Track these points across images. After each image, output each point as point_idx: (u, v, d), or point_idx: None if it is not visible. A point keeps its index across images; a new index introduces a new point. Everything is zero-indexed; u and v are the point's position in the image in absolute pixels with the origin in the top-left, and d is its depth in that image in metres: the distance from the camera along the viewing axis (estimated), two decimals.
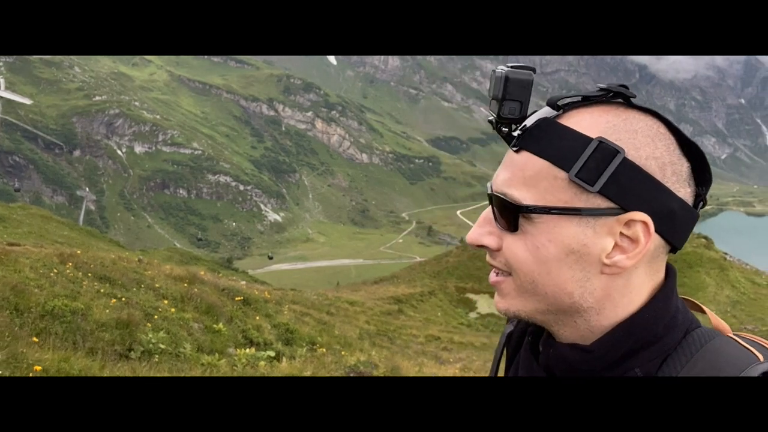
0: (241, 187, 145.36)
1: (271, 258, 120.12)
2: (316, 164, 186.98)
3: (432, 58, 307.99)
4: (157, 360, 3.44)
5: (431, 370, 5.13)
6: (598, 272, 0.65)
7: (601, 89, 0.65)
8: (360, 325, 10.03)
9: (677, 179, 0.64)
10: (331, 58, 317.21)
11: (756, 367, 0.60)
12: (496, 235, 0.68)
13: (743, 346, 0.63)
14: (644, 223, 0.62)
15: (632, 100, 0.66)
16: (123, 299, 4.19)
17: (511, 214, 0.65)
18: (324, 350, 5.10)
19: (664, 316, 0.66)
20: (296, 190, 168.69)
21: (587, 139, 0.62)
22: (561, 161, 0.63)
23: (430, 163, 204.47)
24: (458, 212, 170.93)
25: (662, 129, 0.65)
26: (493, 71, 0.66)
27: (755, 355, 0.62)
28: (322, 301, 14.42)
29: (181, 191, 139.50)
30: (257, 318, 5.61)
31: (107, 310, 3.80)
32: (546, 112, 0.66)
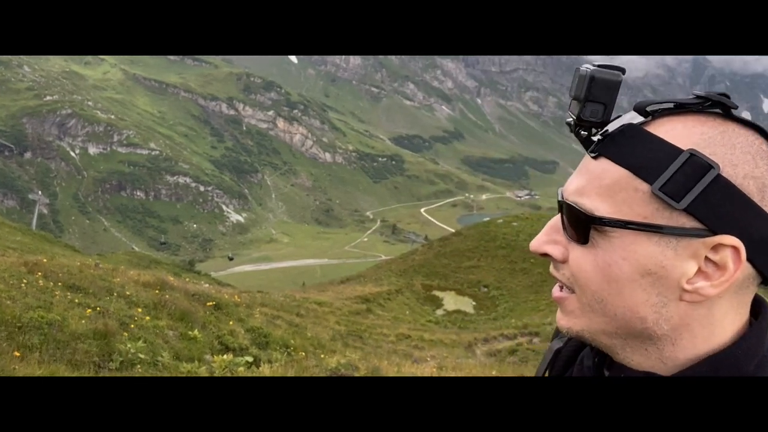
0: (202, 188, 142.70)
1: (231, 259, 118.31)
2: (278, 164, 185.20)
3: (394, 57, 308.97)
4: (139, 370, 3.42)
5: (409, 369, 5.24)
6: (676, 298, 0.58)
7: (698, 96, 0.59)
8: (331, 326, 10.06)
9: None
10: (292, 57, 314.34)
11: None
12: (563, 245, 0.63)
13: None
14: (735, 248, 0.56)
15: (733, 111, 0.59)
16: (97, 309, 4.13)
17: (582, 225, 0.59)
18: (303, 354, 5.14)
19: (754, 355, 0.59)
20: (259, 191, 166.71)
21: (677, 151, 0.56)
22: (644, 172, 0.56)
23: (394, 162, 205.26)
24: (422, 210, 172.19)
25: (765, 146, 0.57)
26: (577, 69, 0.61)
27: None
28: (290, 303, 14.37)
29: (138, 193, 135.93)
30: (231, 323, 5.60)
31: (83, 321, 3.75)
32: (632, 117, 0.60)
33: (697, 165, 0.55)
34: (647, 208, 0.57)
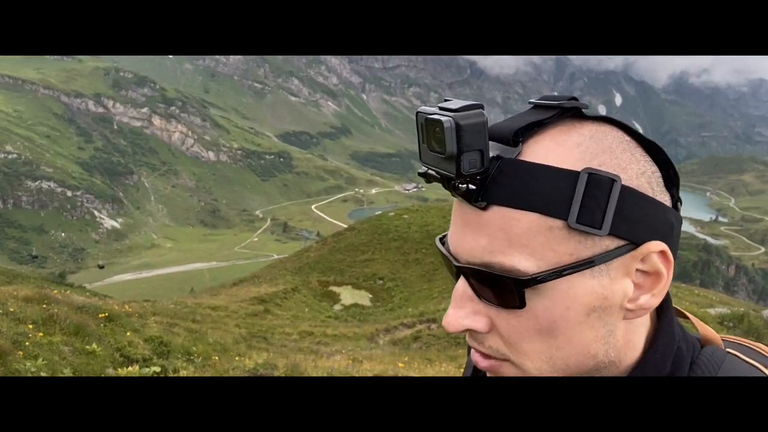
0: (69, 193, 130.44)
1: (101, 267, 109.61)
2: (156, 164, 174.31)
3: None
4: None
5: (325, 363, 5.26)
6: (619, 321, 0.55)
7: (545, 106, 0.55)
8: (230, 329, 9.78)
9: (660, 189, 0.55)
10: None
11: None
12: (483, 314, 0.55)
13: (747, 362, 0.59)
14: (662, 252, 0.54)
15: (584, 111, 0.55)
16: None
17: (512, 291, 0.52)
18: (217, 358, 4.96)
19: (670, 353, 0.58)
20: (136, 193, 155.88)
21: (572, 174, 0.51)
22: (551, 209, 0.51)
23: (282, 159, 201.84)
24: (313, 207, 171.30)
25: (626, 136, 0.55)
26: (434, 120, 0.51)
27: (761, 370, 0.58)
28: (182, 310, 13.73)
29: None
30: (128, 333, 5.28)
31: None
32: (500, 150, 0.52)
33: (600, 183, 0.51)
34: (568, 245, 0.51)
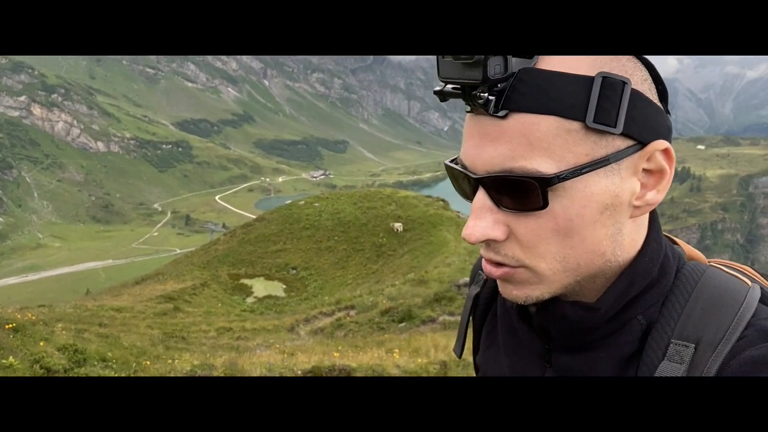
0: None
1: None
2: (39, 157, 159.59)
3: None
4: None
5: (259, 359, 5.21)
6: (627, 219, 0.59)
7: None
8: (142, 331, 9.33)
9: (656, 97, 0.59)
10: None
11: (753, 295, 0.59)
12: (502, 222, 0.58)
13: (729, 273, 0.62)
14: (666, 150, 0.58)
15: None
16: None
17: (535, 192, 0.55)
18: (148, 363, 4.76)
19: (658, 257, 0.62)
20: (16, 190, 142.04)
21: (587, 79, 0.54)
22: (569, 111, 0.54)
23: (180, 148, 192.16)
24: (217, 197, 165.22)
25: None
26: None
27: (744, 281, 0.61)
28: (84, 314, 12.89)
29: None
30: (42, 344, 4.95)
31: None
32: (517, 63, 0.55)
33: (613, 85, 0.54)
34: (585, 145, 0.55)
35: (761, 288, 0.61)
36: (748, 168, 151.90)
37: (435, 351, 4.69)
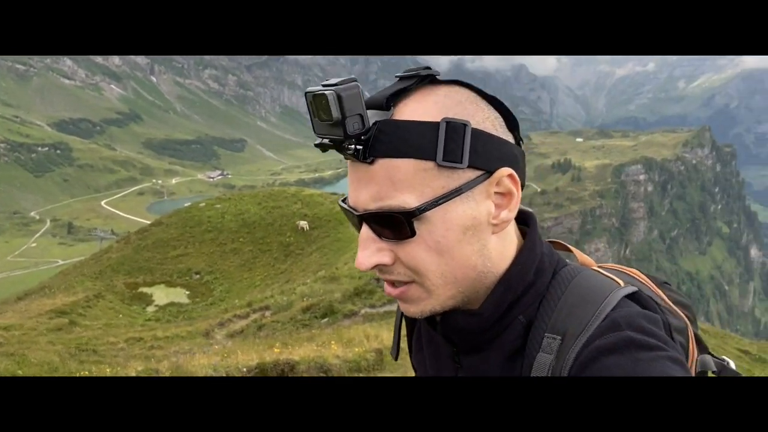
0: None
1: None
2: None
3: None
4: None
5: (200, 360, 5.07)
6: (489, 235, 0.69)
7: (407, 77, 0.68)
8: (43, 347, 8.64)
9: (503, 130, 0.70)
10: None
11: (618, 292, 0.68)
12: (387, 249, 0.68)
13: (606, 275, 0.72)
14: (510, 175, 0.68)
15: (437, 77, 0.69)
16: None
17: (402, 223, 0.65)
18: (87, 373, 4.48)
19: (532, 263, 0.72)
20: None
21: (434, 124, 0.65)
22: (423, 153, 0.64)
23: (58, 151, 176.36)
24: (103, 202, 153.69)
25: (471, 93, 0.70)
26: (320, 95, 0.64)
27: (616, 281, 0.71)
28: None
29: None
30: None
31: None
32: (376, 115, 0.66)
33: (456, 128, 0.65)
34: (441, 179, 0.65)
35: (639, 289, 0.71)
36: (620, 158, 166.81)
37: (368, 341, 4.91)
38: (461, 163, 0.65)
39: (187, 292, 26.56)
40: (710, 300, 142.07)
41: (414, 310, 0.71)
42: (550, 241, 0.81)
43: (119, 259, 30.21)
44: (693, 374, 0.73)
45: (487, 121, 0.68)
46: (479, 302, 0.72)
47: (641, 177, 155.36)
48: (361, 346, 4.91)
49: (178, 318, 18.88)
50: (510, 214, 0.69)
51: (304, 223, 28.72)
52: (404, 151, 0.64)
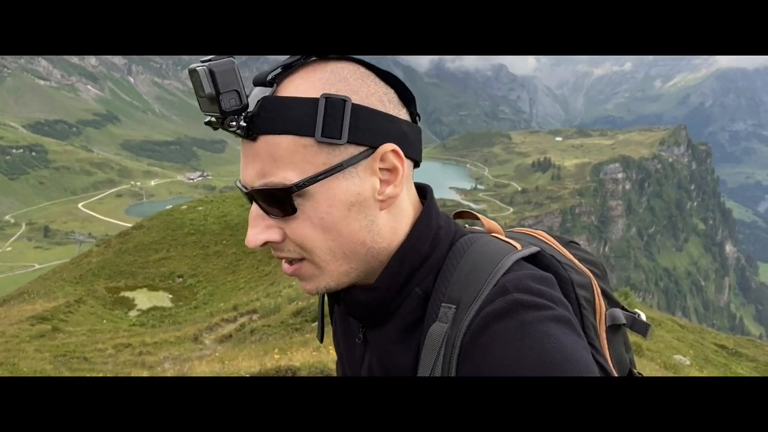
0: None
1: None
2: None
3: None
4: None
5: (203, 368, 5.09)
6: (377, 211, 0.69)
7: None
8: (31, 356, 8.56)
9: (394, 106, 0.69)
10: None
11: (511, 257, 0.67)
12: (275, 226, 0.68)
13: (504, 240, 0.72)
14: (394, 151, 0.67)
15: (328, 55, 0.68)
16: None
17: (284, 200, 0.65)
18: None
19: (427, 236, 0.72)
20: None
21: (313, 100, 0.64)
22: (302, 129, 0.64)
23: (34, 153, 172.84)
24: (80, 205, 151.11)
25: (361, 68, 0.69)
26: (192, 70, 0.64)
27: (513, 246, 0.71)
28: None
29: None
30: None
31: None
32: (261, 92, 0.66)
33: (335, 104, 0.64)
34: (321, 156, 0.65)
35: (540, 250, 0.71)
36: (598, 156, 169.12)
37: None
38: (340, 139, 0.64)
39: (170, 296, 26.38)
40: (687, 295, 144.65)
41: (309, 287, 0.72)
42: (459, 212, 0.84)
43: (100, 263, 29.85)
44: (601, 327, 0.75)
45: (372, 96, 0.67)
46: (376, 278, 0.72)
47: (619, 175, 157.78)
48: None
49: (165, 323, 18.76)
50: (396, 189, 0.68)
51: None
52: (284, 127, 0.64)
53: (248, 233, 0.69)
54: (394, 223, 0.70)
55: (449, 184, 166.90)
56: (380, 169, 0.67)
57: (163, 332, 11.03)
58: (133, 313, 23.97)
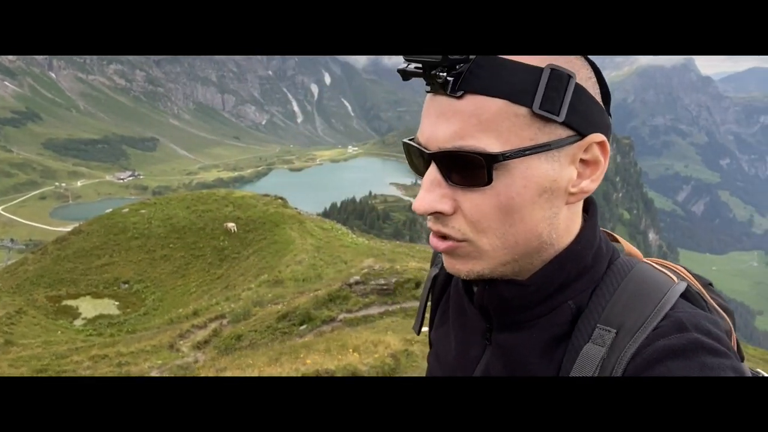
0: None
1: None
2: None
3: None
4: None
5: (208, 372, 5.16)
6: (563, 204, 0.64)
7: None
8: (5, 370, 8.28)
9: (599, 96, 0.64)
10: None
11: (675, 288, 0.63)
12: (451, 198, 0.63)
13: (659, 270, 0.68)
14: (602, 143, 0.63)
15: None
16: None
17: (480, 168, 0.59)
18: None
19: (592, 247, 0.67)
20: None
21: (538, 69, 0.59)
22: (518, 96, 0.58)
23: None
24: (0, 209, 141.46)
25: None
26: None
27: (670, 277, 0.66)
28: None
29: None
30: None
31: None
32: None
33: (560, 78, 0.59)
34: (530, 130, 0.59)
35: (689, 286, 0.66)
36: None
37: (374, 346, 5.26)
38: (558, 115, 0.59)
39: (117, 303, 25.60)
40: None
41: (461, 267, 0.66)
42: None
43: (38, 271, 28.46)
44: None
45: (589, 80, 0.64)
46: (529, 274, 0.67)
47: None
48: (370, 352, 5.13)
49: (122, 331, 18.28)
50: (592, 184, 0.64)
51: (231, 225, 28.45)
52: (500, 89, 0.58)
53: (420, 196, 0.63)
54: (569, 222, 0.66)
55: (390, 179, 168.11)
56: (581, 160, 0.63)
57: (136, 342, 10.88)
58: (78, 322, 23.15)
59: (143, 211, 32.28)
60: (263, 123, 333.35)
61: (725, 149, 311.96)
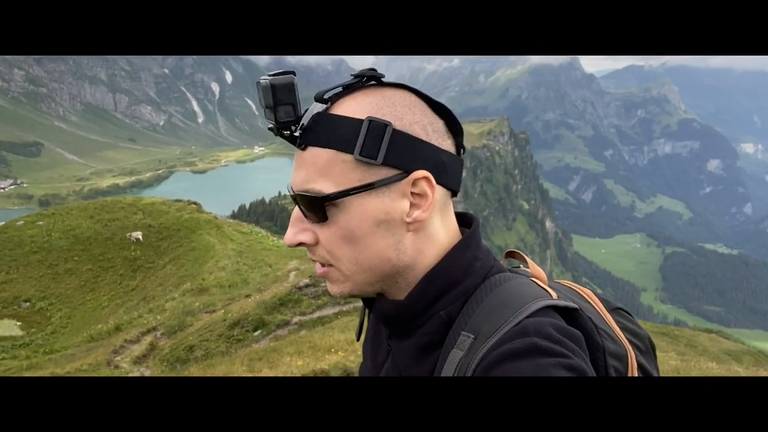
0: None
1: None
2: None
3: None
4: None
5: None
6: (405, 232, 0.74)
7: (355, 76, 0.74)
8: None
9: (438, 135, 0.75)
10: None
11: (540, 301, 0.70)
12: (310, 230, 0.75)
13: (542, 288, 0.74)
14: (426, 178, 0.72)
15: (383, 79, 0.75)
16: None
17: (318, 207, 0.72)
18: None
19: (461, 264, 0.76)
20: None
21: (359, 121, 0.70)
22: (344, 146, 0.70)
23: None
24: None
25: (413, 97, 0.75)
26: (258, 83, 0.72)
27: (548, 293, 0.73)
28: None
29: None
30: None
31: None
32: (317, 107, 0.73)
33: (377, 127, 0.70)
34: (357, 173, 0.71)
35: (576, 306, 0.72)
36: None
37: (348, 344, 5.49)
38: (376, 159, 0.70)
39: (18, 323, 23.77)
40: None
41: (334, 289, 0.79)
42: (510, 252, 0.89)
43: None
44: None
45: (416, 124, 0.73)
46: (404, 292, 0.77)
47: None
48: (352, 350, 5.33)
49: (41, 353, 17.05)
50: (423, 213, 0.73)
51: (136, 234, 27.16)
52: (329, 141, 0.71)
53: (287, 232, 0.77)
54: (420, 245, 0.76)
55: None
56: (412, 193, 0.73)
57: (68, 361, 10.31)
58: None
59: (41, 222, 29.96)
60: (161, 124, 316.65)
61: (608, 141, 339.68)
